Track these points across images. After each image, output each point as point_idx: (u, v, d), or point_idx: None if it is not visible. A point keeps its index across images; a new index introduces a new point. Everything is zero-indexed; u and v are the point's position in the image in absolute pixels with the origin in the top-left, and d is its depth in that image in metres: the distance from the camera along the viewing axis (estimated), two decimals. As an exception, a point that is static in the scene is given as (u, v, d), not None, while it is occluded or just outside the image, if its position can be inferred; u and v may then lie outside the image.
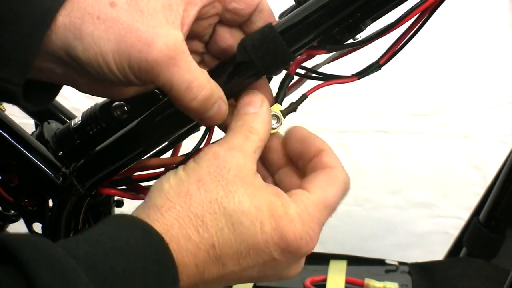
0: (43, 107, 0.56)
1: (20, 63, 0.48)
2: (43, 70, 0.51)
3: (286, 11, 0.57)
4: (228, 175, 0.49)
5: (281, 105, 0.56)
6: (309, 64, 0.58)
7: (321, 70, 0.59)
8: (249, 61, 0.53)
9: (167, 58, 0.48)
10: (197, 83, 0.50)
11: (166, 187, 0.49)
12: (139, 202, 0.62)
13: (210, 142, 0.57)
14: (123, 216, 0.47)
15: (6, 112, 0.67)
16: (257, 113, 0.53)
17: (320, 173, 0.52)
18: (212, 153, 0.50)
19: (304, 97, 0.57)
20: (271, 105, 0.56)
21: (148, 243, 0.45)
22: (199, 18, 0.52)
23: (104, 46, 0.48)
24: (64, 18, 0.48)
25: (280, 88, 0.57)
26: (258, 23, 0.54)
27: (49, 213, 0.66)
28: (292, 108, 0.57)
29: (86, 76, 0.51)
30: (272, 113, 0.55)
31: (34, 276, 0.37)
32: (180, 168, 0.51)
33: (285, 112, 0.56)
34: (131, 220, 0.47)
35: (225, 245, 0.48)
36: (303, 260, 0.52)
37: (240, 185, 0.49)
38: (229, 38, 0.55)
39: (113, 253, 0.43)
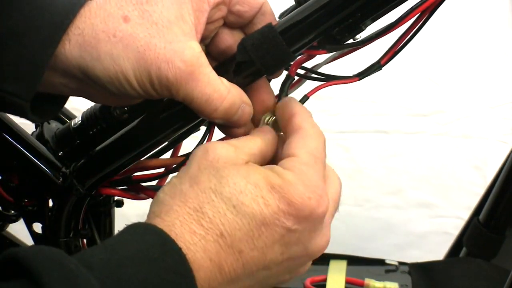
0: (50, 119, 0.56)
1: (29, 78, 0.48)
2: (56, 84, 0.51)
3: (286, 11, 0.58)
4: (217, 164, 0.48)
5: None
6: (309, 63, 0.58)
7: (321, 70, 0.59)
8: (249, 61, 0.53)
9: (186, 74, 0.49)
10: (217, 94, 0.50)
11: (161, 196, 0.49)
12: (139, 202, 0.63)
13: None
14: (138, 225, 0.46)
15: (6, 112, 0.67)
16: (261, 129, 0.54)
17: (294, 135, 0.51)
18: (201, 149, 0.50)
19: (305, 98, 0.57)
20: (273, 106, 0.56)
21: (163, 251, 0.43)
22: (206, 22, 0.52)
23: (124, 64, 0.48)
24: (77, 37, 0.48)
25: (281, 90, 0.57)
26: (260, 25, 0.55)
27: (49, 213, 0.66)
28: None
29: (102, 90, 0.51)
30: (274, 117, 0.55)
31: None
32: (173, 176, 0.50)
33: None
34: (146, 228, 0.45)
35: (233, 230, 0.46)
36: (326, 228, 0.50)
37: (231, 168, 0.48)
38: (230, 40, 0.55)
39: (127, 262, 0.41)
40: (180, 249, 0.44)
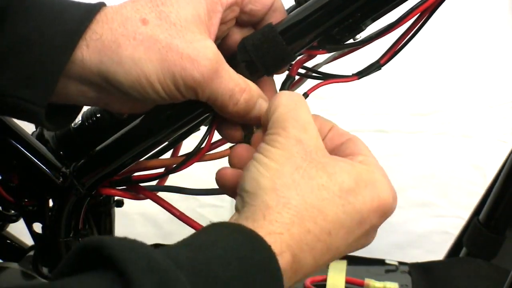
0: (64, 128, 0.55)
1: (44, 84, 0.48)
2: (72, 93, 0.51)
3: (286, 11, 0.57)
4: (318, 157, 0.47)
5: None
6: (309, 63, 0.58)
7: (321, 69, 0.59)
8: (249, 61, 0.53)
9: (211, 72, 0.49)
10: (238, 88, 0.51)
11: (268, 183, 0.46)
12: (140, 201, 0.63)
13: (211, 142, 0.57)
14: (224, 224, 0.44)
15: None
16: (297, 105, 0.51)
17: (352, 140, 0.52)
18: (294, 138, 0.47)
19: (305, 95, 0.57)
20: None
21: (252, 249, 0.42)
22: (220, 23, 0.52)
23: (147, 68, 0.48)
24: (96, 43, 0.48)
25: (281, 90, 0.57)
26: (272, 21, 0.55)
27: (49, 213, 0.66)
28: None
29: (121, 97, 0.51)
30: None
31: (134, 282, 0.34)
32: (262, 158, 0.47)
33: None
34: (234, 228, 0.44)
35: (339, 228, 0.46)
36: None
37: (334, 164, 0.47)
38: (238, 37, 0.55)
39: (216, 260, 0.40)
40: (269, 247, 0.42)
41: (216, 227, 0.44)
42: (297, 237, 0.44)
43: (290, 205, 0.45)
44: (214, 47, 0.50)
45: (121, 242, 0.36)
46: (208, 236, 0.43)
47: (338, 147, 0.52)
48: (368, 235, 0.49)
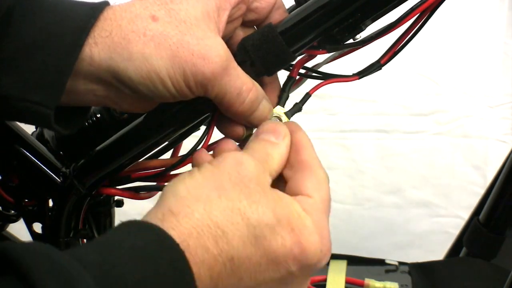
0: (73, 132, 0.55)
1: (53, 85, 0.48)
2: (81, 92, 0.50)
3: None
4: (250, 184, 0.45)
5: (283, 107, 0.56)
6: (309, 62, 0.58)
7: (322, 69, 0.59)
8: (249, 61, 0.53)
9: (222, 69, 0.49)
10: (246, 87, 0.51)
11: (182, 191, 0.45)
12: (140, 201, 0.63)
13: (209, 142, 0.57)
14: (133, 222, 0.42)
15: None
16: (279, 144, 0.50)
17: (306, 173, 0.49)
18: (234, 159, 0.46)
19: (307, 96, 0.57)
20: (276, 104, 0.56)
21: (161, 248, 0.40)
22: (227, 21, 0.52)
23: (157, 64, 0.48)
24: (105, 39, 0.48)
25: (283, 90, 0.57)
26: (275, 20, 0.55)
27: (49, 213, 0.66)
28: (298, 108, 0.57)
29: (130, 95, 0.51)
30: (275, 115, 0.55)
31: (36, 285, 0.34)
32: (196, 170, 0.46)
33: (291, 113, 0.56)
34: (141, 226, 0.42)
35: (244, 258, 0.43)
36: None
37: (262, 195, 0.45)
38: (241, 38, 0.55)
39: (123, 260, 0.39)
40: (178, 244, 0.41)
41: (124, 225, 0.42)
42: (192, 250, 0.42)
43: (192, 216, 0.43)
44: (224, 44, 0.50)
45: (25, 246, 0.36)
46: (116, 235, 0.41)
47: (292, 176, 0.49)
48: (286, 284, 0.46)
